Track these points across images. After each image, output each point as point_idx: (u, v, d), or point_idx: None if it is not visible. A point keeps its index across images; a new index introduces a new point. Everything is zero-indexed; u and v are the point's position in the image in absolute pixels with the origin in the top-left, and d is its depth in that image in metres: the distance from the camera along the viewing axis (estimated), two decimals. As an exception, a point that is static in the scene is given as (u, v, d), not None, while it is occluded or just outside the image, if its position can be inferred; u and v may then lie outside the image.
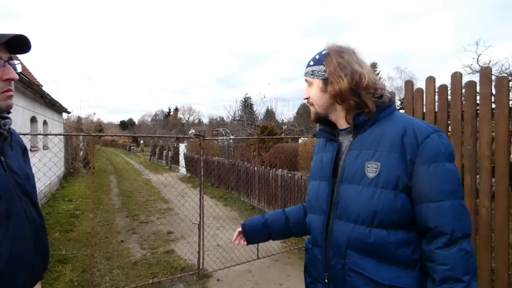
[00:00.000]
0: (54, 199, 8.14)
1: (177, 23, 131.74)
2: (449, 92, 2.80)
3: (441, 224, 0.92)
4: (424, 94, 2.91)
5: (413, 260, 0.96)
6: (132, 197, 8.95)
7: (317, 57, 1.14)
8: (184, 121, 66.95)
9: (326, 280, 1.07)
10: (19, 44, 1.00)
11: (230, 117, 20.68)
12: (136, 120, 78.43)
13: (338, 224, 1.03)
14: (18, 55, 1.09)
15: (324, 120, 1.17)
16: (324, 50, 1.13)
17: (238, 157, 10.92)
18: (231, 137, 14.87)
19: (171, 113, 75.39)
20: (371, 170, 0.98)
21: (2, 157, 0.99)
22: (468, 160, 2.55)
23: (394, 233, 0.95)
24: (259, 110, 22.64)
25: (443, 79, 2.91)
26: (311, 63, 1.15)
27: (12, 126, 1.08)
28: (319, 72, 1.11)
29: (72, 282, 3.58)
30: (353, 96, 1.05)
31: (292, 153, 8.40)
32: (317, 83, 1.12)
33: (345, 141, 1.12)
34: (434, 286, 0.92)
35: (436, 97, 2.84)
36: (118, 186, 11.18)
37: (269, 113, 21.38)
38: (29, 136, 3.97)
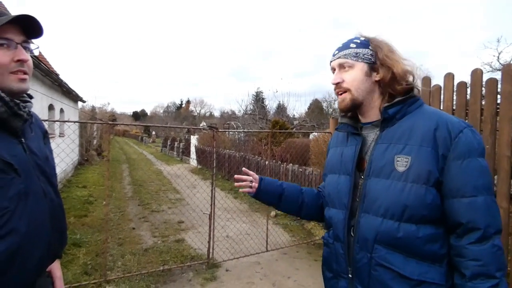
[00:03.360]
0: (69, 185, 8.35)
1: (193, 16, 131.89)
2: (468, 89, 2.74)
3: (475, 220, 0.91)
4: (442, 91, 2.85)
5: (440, 255, 0.96)
6: (144, 186, 9.10)
7: (358, 41, 1.10)
8: (196, 114, 67.29)
9: (350, 275, 1.06)
10: (32, 27, 1.02)
11: (242, 111, 20.72)
12: (148, 112, 79.25)
13: (365, 218, 1.02)
14: (36, 41, 1.12)
15: (353, 110, 1.13)
16: (359, 38, 1.11)
17: (249, 151, 10.96)
18: (241, 130, 14.90)
19: (183, 105, 75.84)
20: (401, 163, 0.97)
21: (23, 139, 1.03)
22: (486, 159, 2.50)
23: (423, 228, 0.95)
24: (271, 104, 22.57)
25: (458, 77, 2.84)
26: (353, 45, 1.10)
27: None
28: (365, 56, 1.08)
29: (86, 265, 3.69)
30: (397, 84, 1.05)
31: (303, 148, 8.37)
32: (361, 66, 1.07)
33: (370, 135, 1.11)
34: (463, 282, 0.92)
35: (454, 94, 2.79)
36: (130, 175, 11.37)
37: (281, 108, 21.31)
38: (46, 123, 4.08)
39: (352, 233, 1.06)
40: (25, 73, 1.02)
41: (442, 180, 0.94)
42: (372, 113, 1.11)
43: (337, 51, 1.13)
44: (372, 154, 1.05)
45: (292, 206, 1.33)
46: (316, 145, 7.15)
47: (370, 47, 1.09)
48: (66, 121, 3.66)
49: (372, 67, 1.08)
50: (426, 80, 3.05)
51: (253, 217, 5.87)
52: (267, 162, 7.42)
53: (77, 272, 3.49)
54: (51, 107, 8.59)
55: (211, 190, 4.00)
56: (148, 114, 77.31)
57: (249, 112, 20.06)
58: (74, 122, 3.90)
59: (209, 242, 3.88)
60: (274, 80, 75.67)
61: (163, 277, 3.51)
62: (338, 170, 1.16)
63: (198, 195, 5.15)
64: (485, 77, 2.57)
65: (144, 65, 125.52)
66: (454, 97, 2.80)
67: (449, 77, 2.81)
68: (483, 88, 2.58)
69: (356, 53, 1.08)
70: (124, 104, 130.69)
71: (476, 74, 2.61)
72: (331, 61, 1.16)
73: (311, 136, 10.96)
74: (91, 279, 3.31)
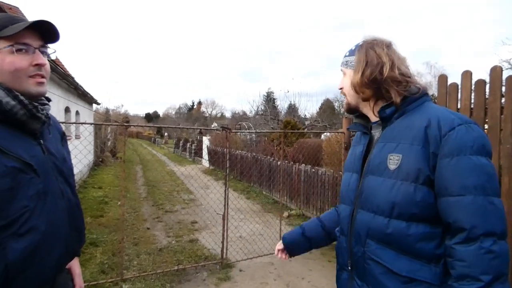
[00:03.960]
0: (85, 186, 8.52)
1: (204, 17, 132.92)
2: (486, 87, 2.68)
3: (460, 219, 0.89)
4: (459, 90, 2.79)
5: (436, 255, 0.94)
6: (157, 187, 9.21)
7: (353, 48, 1.15)
8: (207, 115, 67.73)
9: (349, 268, 1.11)
10: (48, 32, 1.05)
11: (253, 111, 20.75)
12: (160, 113, 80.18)
13: (360, 214, 1.06)
14: (53, 45, 1.14)
15: (356, 112, 1.18)
16: (358, 44, 1.14)
17: (260, 151, 10.96)
18: (254, 131, 14.92)
19: (195, 107, 76.44)
20: (393, 162, 0.99)
21: (41, 140, 1.06)
22: (507, 159, 2.43)
23: (415, 225, 0.94)
24: (282, 104, 22.57)
25: (475, 75, 2.77)
26: (347, 53, 1.17)
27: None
28: (351, 63, 1.13)
29: (103, 264, 3.76)
30: (371, 87, 1.06)
31: (315, 149, 8.33)
32: (349, 73, 1.13)
33: (377, 134, 1.13)
34: (451, 282, 0.90)
35: (472, 93, 2.73)
36: (144, 176, 11.53)
37: (292, 108, 21.24)
38: (64, 125, 4.18)
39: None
40: (42, 76, 1.05)
41: (433, 178, 0.93)
42: (371, 115, 1.14)
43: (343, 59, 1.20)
44: (372, 152, 1.09)
45: (322, 240, 1.38)
46: (329, 145, 7.11)
47: (354, 53, 1.13)
48: (83, 123, 3.75)
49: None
50: (443, 78, 2.99)
51: (266, 218, 5.87)
52: (279, 163, 7.41)
53: (95, 270, 3.57)
54: (67, 110, 8.79)
55: (225, 191, 4.02)
56: (161, 115, 78.21)
57: (260, 113, 20.07)
58: (90, 124, 3.99)
59: (222, 242, 3.91)
60: (285, 81, 75.45)
61: (177, 276, 3.55)
62: (351, 169, 1.19)
63: (212, 195, 5.19)
64: (505, 74, 2.50)
65: (156, 66, 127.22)
66: (472, 96, 2.74)
67: (467, 74, 2.75)
68: (503, 86, 2.52)
69: (346, 62, 1.16)
70: (136, 105, 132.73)
71: (496, 71, 2.55)
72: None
73: (322, 136, 10.90)
74: (108, 278, 3.37)
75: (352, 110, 1.17)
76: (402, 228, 0.95)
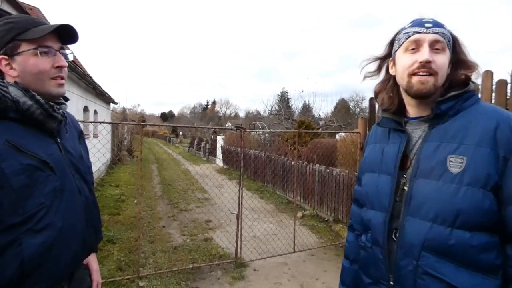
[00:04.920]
0: (102, 184, 8.72)
1: (221, 17, 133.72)
2: (508, 87, 2.60)
3: None
4: (480, 90, 2.71)
5: (496, 266, 0.87)
6: (172, 185, 9.33)
7: (441, 24, 0.99)
8: (221, 114, 68.11)
9: (392, 282, 0.99)
10: (68, 34, 1.08)
11: (267, 111, 20.75)
12: (175, 113, 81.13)
13: (411, 223, 0.94)
14: (70, 46, 1.18)
15: (427, 98, 1.00)
16: (431, 20, 0.99)
17: (274, 151, 10.95)
18: (268, 130, 14.91)
19: (209, 106, 77.00)
20: (455, 164, 0.89)
21: (58, 139, 1.09)
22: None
23: (478, 235, 0.86)
24: (296, 104, 22.47)
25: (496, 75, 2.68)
26: (447, 27, 0.99)
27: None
28: (450, 42, 0.98)
29: (120, 261, 3.84)
30: (458, 78, 0.98)
31: (329, 149, 8.25)
32: (448, 53, 0.98)
33: (416, 131, 1.03)
34: None
35: (493, 92, 2.65)
36: (159, 175, 11.71)
37: (306, 108, 21.12)
38: (82, 124, 4.30)
39: (394, 237, 0.99)
40: (62, 78, 1.09)
41: (501, 184, 0.86)
42: (425, 107, 1.01)
43: (430, 24, 0.98)
44: (420, 153, 0.97)
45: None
46: (344, 146, 7.03)
47: (450, 34, 0.99)
48: (101, 122, 3.83)
49: (449, 58, 0.99)
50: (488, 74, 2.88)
51: (279, 218, 5.86)
52: (293, 163, 7.39)
53: (112, 267, 3.65)
54: (85, 109, 9.02)
55: (239, 190, 4.03)
56: (176, 115, 79.14)
57: (274, 112, 20.05)
58: (108, 123, 4.07)
59: (236, 241, 3.92)
60: (300, 80, 75.23)
61: (192, 274, 3.59)
62: (378, 169, 1.08)
63: (226, 194, 5.21)
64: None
65: (172, 67, 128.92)
66: (493, 96, 2.66)
67: (488, 74, 2.67)
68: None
69: (449, 38, 0.98)
70: (152, 105, 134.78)
71: (519, 70, 2.46)
72: (418, 32, 0.98)
73: (337, 136, 10.80)
74: (124, 275, 3.44)
75: (431, 94, 0.97)
76: (466, 238, 0.86)
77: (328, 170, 6.04)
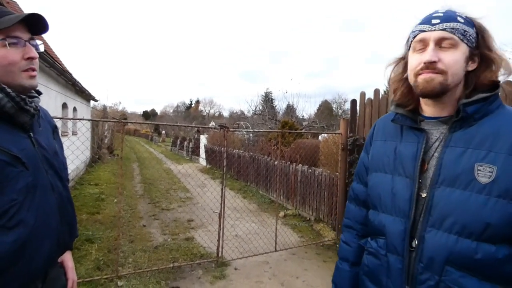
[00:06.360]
0: (81, 183, 8.50)
1: (205, 17, 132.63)
2: None
3: None
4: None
5: None
6: (154, 185, 9.20)
7: (463, 16, 0.92)
8: (205, 114, 67.65)
9: None
10: (37, 24, 1.05)
11: (251, 111, 20.77)
12: (158, 111, 79.96)
13: (433, 234, 0.88)
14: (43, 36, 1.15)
15: (435, 97, 0.94)
16: (456, 12, 0.92)
17: (258, 151, 10.98)
18: (252, 130, 14.94)
19: (193, 105, 76.34)
20: (484, 173, 0.83)
21: (31, 133, 1.06)
22: None
23: (502, 248, 0.82)
24: (280, 105, 22.66)
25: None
26: (460, 20, 0.90)
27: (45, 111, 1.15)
28: (471, 37, 0.90)
29: (98, 260, 3.75)
30: (487, 80, 0.91)
31: (312, 149, 8.35)
32: (464, 49, 0.90)
33: (433, 132, 0.96)
34: None
35: None
36: (140, 173, 11.51)
37: (290, 109, 21.29)
38: (60, 121, 4.18)
39: (410, 247, 0.93)
40: (34, 69, 1.05)
41: None
42: (446, 107, 0.95)
43: (437, 20, 0.91)
44: (442, 158, 0.90)
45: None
46: (326, 146, 7.13)
47: (474, 28, 0.91)
48: (80, 119, 3.74)
49: (472, 53, 0.91)
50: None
51: (262, 217, 5.89)
52: (276, 162, 7.43)
53: (90, 267, 3.56)
54: (64, 106, 8.75)
55: (222, 189, 4.03)
56: (158, 113, 78.00)
57: (258, 112, 20.10)
58: (88, 120, 3.98)
59: (218, 240, 3.92)
60: (284, 81, 75.56)
61: (173, 274, 3.55)
62: (391, 170, 1.01)
63: (208, 194, 5.19)
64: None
65: (154, 65, 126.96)
66: None
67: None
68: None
69: (465, 31, 0.89)
70: (134, 104, 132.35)
71: None
72: (424, 30, 0.93)
73: (320, 137, 10.93)
74: (103, 274, 3.37)
75: (439, 92, 0.91)
76: (492, 252, 0.81)
77: (310, 170, 6.11)
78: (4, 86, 0.97)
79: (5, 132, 0.97)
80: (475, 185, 0.84)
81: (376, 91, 4.52)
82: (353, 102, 4.90)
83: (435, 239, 0.87)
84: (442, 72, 0.89)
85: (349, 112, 5.11)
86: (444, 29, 0.89)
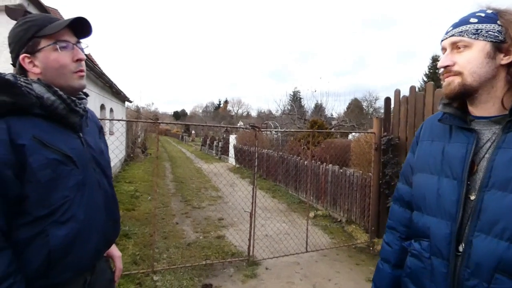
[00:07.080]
0: (117, 180, 8.89)
1: (235, 17, 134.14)
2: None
3: None
4: None
5: None
6: (185, 183, 9.43)
7: (483, 14, 0.92)
8: (233, 113, 68.33)
9: None
10: (82, 28, 1.11)
11: (279, 111, 20.69)
12: (188, 111, 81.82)
13: (481, 240, 0.85)
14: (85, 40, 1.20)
15: (461, 98, 0.94)
16: (485, 10, 0.93)
17: (287, 151, 10.93)
18: (282, 129, 14.89)
19: (221, 105, 77.37)
20: None
21: (80, 133, 1.12)
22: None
23: None
24: (309, 104, 22.38)
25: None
26: (473, 20, 0.92)
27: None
28: (490, 32, 0.89)
29: (135, 255, 3.91)
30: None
31: (342, 149, 8.18)
32: (482, 46, 0.89)
33: (485, 132, 0.92)
34: None
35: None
36: (172, 172, 11.84)
37: (319, 108, 20.97)
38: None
39: (456, 251, 0.90)
40: (83, 70, 1.12)
41: None
42: (490, 105, 0.92)
43: (451, 28, 0.95)
44: (493, 159, 0.87)
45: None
46: (358, 146, 6.96)
47: (498, 22, 0.90)
48: (119, 120, 3.92)
49: (499, 47, 0.88)
50: None
51: (292, 217, 5.85)
52: (306, 162, 7.36)
53: (127, 261, 3.72)
54: (102, 107, 9.20)
55: (253, 189, 4.05)
56: (188, 113, 79.82)
57: (286, 112, 19.98)
58: (126, 120, 4.17)
59: (249, 239, 3.94)
60: (313, 80, 74.53)
61: (205, 271, 3.63)
62: (437, 171, 0.98)
63: (240, 193, 5.25)
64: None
65: (185, 66, 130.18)
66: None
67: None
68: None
69: (477, 30, 0.90)
70: (166, 104, 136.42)
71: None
72: (442, 40, 0.98)
73: (350, 136, 10.69)
74: (139, 269, 3.51)
75: (464, 93, 0.92)
76: None
77: (341, 171, 5.99)
78: (57, 89, 1.03)
79: (58, 132, 1.04)
80: None
81: (412, 88, 4.35)
82: (387, 100, 4.74)
83: (483, 245, 0.84)
84: (458, 74, 0.91)
85: (381, 111, 4.96)
86: (453, 35, 0.94)
